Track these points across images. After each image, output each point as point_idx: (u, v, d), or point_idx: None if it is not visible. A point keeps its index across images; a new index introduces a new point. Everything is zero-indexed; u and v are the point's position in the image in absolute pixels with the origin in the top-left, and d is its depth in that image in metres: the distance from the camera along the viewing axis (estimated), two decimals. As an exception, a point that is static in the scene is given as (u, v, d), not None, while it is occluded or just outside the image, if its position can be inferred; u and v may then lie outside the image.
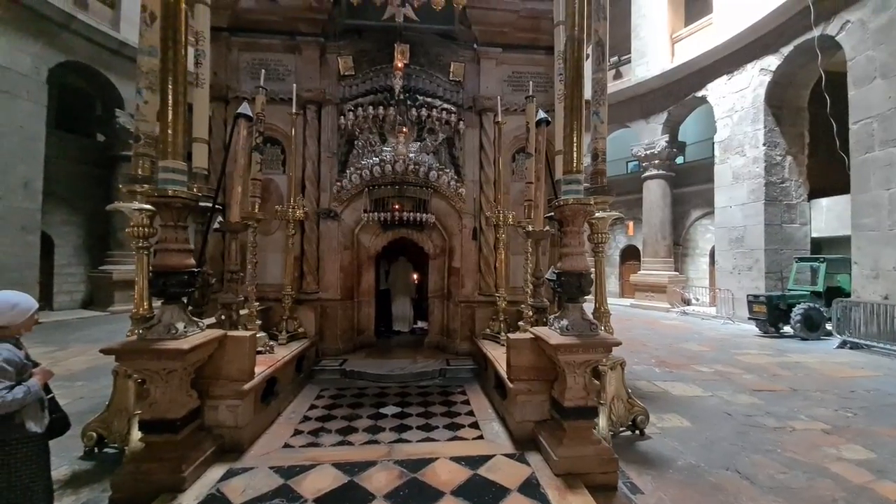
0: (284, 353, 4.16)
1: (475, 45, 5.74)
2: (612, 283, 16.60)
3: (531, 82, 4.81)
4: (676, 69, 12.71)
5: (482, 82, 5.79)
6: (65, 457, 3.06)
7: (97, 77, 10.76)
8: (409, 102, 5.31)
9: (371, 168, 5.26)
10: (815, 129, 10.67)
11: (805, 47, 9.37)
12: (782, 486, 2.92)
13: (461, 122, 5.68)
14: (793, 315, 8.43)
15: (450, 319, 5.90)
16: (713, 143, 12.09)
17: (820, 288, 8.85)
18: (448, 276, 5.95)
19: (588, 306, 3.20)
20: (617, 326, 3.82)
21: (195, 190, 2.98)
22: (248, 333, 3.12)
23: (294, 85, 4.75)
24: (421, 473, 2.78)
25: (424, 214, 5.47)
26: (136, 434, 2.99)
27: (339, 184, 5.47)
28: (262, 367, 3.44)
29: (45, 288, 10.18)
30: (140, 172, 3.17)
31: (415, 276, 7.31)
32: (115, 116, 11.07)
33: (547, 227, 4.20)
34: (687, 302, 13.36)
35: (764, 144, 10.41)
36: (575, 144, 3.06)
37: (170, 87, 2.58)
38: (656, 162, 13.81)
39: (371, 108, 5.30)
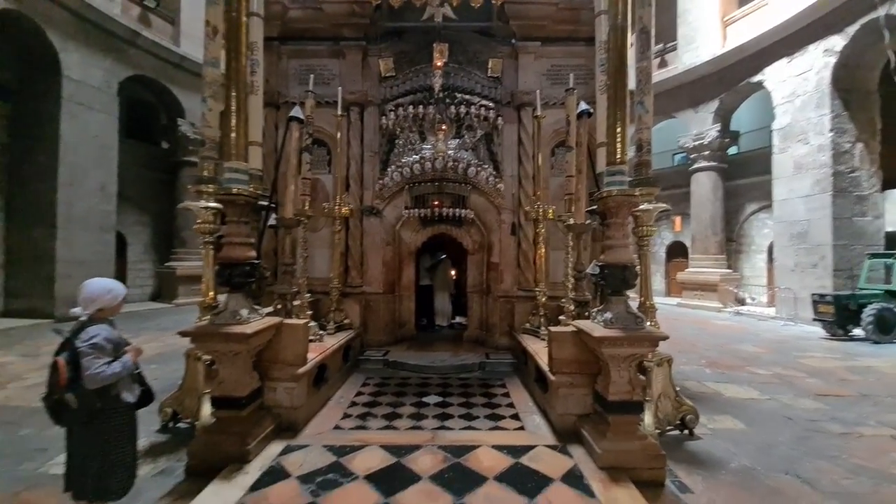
0: (333, 342, 4.39)
1: (513, 41, 5.74)
2: (657, 282, 15.90)
3: (571, 75, 4.75)
4: (728, 54, 11.94)
5: (520, 77, 5.78)
6: (143, 431, 3.40)
7: (161, 89, 11.73)
8: (447, 100, 5.41)
9: (411, 166, 5.41)
10: (887, 113, 9.68)
11: (872, 26, 8.53)
12: (846, 492, 2.74)
13: (500, 118, 5.70)
14: (864, 316, 7.72)
15: (489, 314, 5.95)
16: (771, 132, 11.27)
17: (895, 287, 8.05)
18: (487, 272, 6.00)
19: (632, 303, 3.14)
20: (664, 326, 3.70)
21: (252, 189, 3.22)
22: (302, 322, 3.35)
23: (339, 88, 4.98)
24: (464, 459, 2.86)
25: (463, 210, 5.56)
26: (206, 410, 3.29)
27: (381, 182, 5.66)
28: (314, 354, 3.66)
29: (119, 281, 11.25)
30: (206, 174, 3.46)
31: (453, 272, 7.43)
32: (177, 125, 12.03)
33: (588, 221, 4.14)
34: (741, 301, 12.55)
35: (830, 131, 9.57)
36: (618, 135, 3.01)
37: (233, 94, 2.82)
38: (706, 153, 13.05)
39: (411, 107, 5.45)
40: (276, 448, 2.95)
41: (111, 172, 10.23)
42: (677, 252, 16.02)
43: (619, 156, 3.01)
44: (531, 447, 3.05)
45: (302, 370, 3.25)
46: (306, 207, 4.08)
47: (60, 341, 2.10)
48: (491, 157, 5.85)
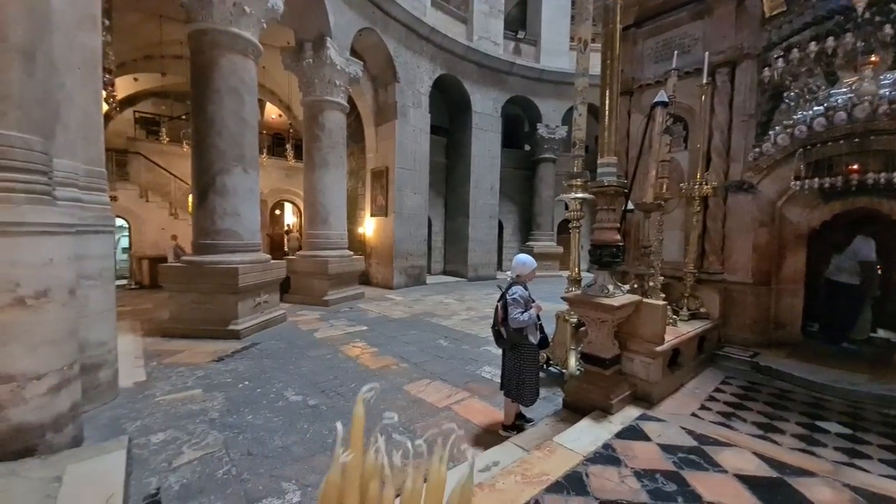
0: (687, 328, 4.21)
1: None
2: None
3: None
4: None
5: None
6: (529, 365, 4.63)
7: (526, 102, 14.48)
8: (877, 18, 3.74)
9: (809, 122, 4.15)
10: None
11: None
12: None
13: None
14: None
15: (964, 335, 3.76)
16: None
17: None
18: (964, 268, 3.78)
19: None
20: None
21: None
22: (661, 303, 3.45)
23: (706, 53, 4.50)
24: (897, 517, 2.12)
25: (913, 174, 3.73)
26: (573, 362, 4.09)
27: (756, 150, 4.69)
28: (670, 337, 3.68)
29: (498, 255, 15.18)
30: (576, 169, 4.17)
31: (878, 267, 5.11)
32: (536, 130, 14.55)
33: None
34: None
35: None
36: None
37: (606, 97, 3.23)
38: None
39: (812, 43, 4.15)
40: (633, 412, 3.27)
41: (496, 175, 13.82)
42: None
43: None
44: None
45: (659, 349, 3.38)
46: (663, 190, 4.06)
47: (500, 293, 3.26)
48: None
